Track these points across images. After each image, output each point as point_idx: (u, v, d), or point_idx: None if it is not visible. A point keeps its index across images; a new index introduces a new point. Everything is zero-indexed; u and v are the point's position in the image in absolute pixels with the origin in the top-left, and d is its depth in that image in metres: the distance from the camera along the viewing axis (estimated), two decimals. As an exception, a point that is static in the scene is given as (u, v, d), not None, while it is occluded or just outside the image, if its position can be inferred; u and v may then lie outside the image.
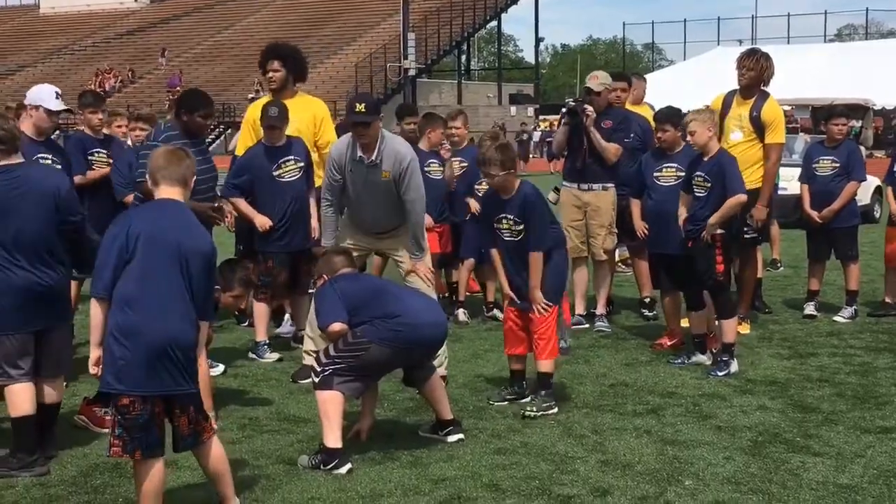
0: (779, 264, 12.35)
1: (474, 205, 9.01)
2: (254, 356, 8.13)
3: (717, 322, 7.80)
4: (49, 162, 6.81)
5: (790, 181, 12.70)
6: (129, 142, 8.89)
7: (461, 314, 9.54)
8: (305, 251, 7.98)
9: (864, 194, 15.78)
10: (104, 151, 8.41)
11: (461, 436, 6.07)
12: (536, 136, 45.36)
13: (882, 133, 38.65)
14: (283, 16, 58.07)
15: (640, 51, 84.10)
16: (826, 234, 9.52)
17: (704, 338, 7.90)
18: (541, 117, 50.71)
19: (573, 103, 9.08)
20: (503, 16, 57.10)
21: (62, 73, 53.72)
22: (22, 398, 5.53)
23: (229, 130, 37.94)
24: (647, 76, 12.84)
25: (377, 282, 6.54)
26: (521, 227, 6.65)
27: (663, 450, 5.87)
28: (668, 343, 8.34)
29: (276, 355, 8.14)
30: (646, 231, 8.39)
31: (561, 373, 7.03)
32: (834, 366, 7.78)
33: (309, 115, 8.57)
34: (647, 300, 9.67)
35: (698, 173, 7.68)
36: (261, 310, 8.09)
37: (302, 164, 8.01)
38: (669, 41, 73.48)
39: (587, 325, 9.13)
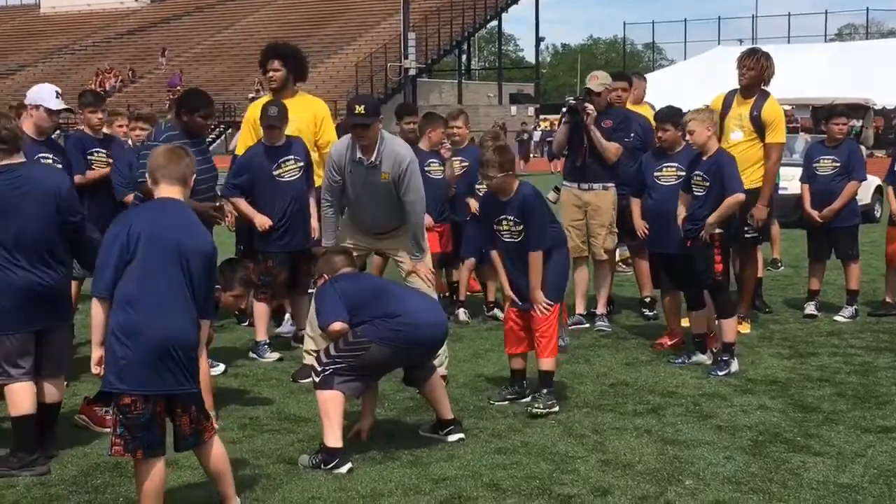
0: (779, 264, 12.35)
1: (474, 204, 9.01)
2: (254, 356, 8.13)
3: (716, 321, 7.80)
4: (50, 161, 6.81)
5: (791, 181, 12.70)
6: (130, 142, 8.89)
7: (462, 314, 9.54)
8: (305, 251, 7.98)
9: (865, 194, 15.79)
10: (103, 151, 8.40)
11: (462, 435, 6.07)
12: (537, 135, 45.38)
13: (882, 133, 38.65)
14: (283, 15, 58.07)
15: (641, 50, 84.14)
16: (827, 234, 9.52)
17: (705, 337, 7.90)
18: (541, 117, 50.74)
19: (574, 101, 9.08)
20: (503, 15, 57.09)
21: (62, 72, 53.73)
22: (22, 397, 5.53)
23: (230, 130, 37.94)
24: (648, 76, 12.86)
25: (377, 281, 6.55)
26: (521, 227, 6.65)
27: (664, 449, 5.87)
28: (669, 343, 8.34)
29: (276, 355, 8.14)
30: (646, 231, 8.39)
31: (561, 372, 7.03)
32: (834, 365, 7.78)
33: (309, 115, 8.57)
34: (648, 300, 9.67)
35: (697, 173, 7.68)
36: (261, 309, 8.09)
37: (302, 163, 8.01)
38: (670, 41, 73.31)
39: (587, 325, 9.13)
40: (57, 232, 5.59)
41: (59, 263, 5.63)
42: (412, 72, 45.08)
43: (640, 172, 8.46)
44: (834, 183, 9.46)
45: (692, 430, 6.24)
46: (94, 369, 4.76)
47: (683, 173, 7.93)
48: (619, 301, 10.15)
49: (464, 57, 59.98)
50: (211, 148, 15.34)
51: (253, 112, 8.66)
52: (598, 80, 9.05)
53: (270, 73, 8.56)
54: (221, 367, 7.67)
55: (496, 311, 9.42)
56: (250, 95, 36.74)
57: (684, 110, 8.27)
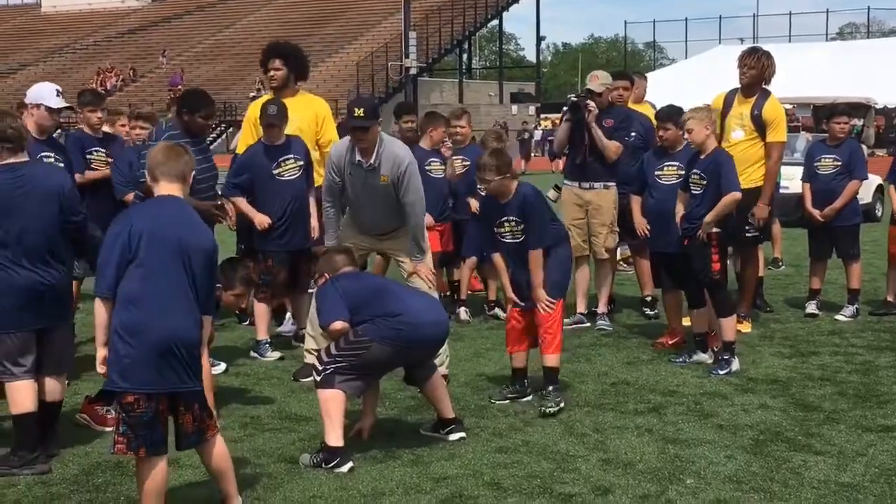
0: (780, 263, 12.34)
1: (475, 204, 9.00)
2: (255, 355, 8.13)
3: (716, 320, 7.79)
4: (52, 160, 6.81)
5: (792, 180, 12.69)
6: (129, 140, 8.88)
7: (463, 313, 9.54)
8: (305, 250, 7.98)
9: (866, 193, 15.79)
10: (103, 150, 8.39)
11: (463, 434, 6.07)
12: (538, 134, 45.40)
13: (884, 132, 38.68)
14: (284, 14, 58.08)
15: (642, 49, 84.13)
16: (828, 233, 9.52)
17: (706, 336, 7.90)
18: (542, 116, 50.78)
19: (576, 98, 9.08)
20: (504, 14, 57.17)
21: (63, 71, 53.76)
22: (23, 395, 5.54)
23: (230, 129, 37.96)
24: (649, 75, 12.87)
25: (378, 281, 6.56)
26: (522, 227, 6.66)
27: (665, 448, 5.88)
28: (670, 342, 8.33)
29: (277, 354, 8.14)
30: (647, 230, 8.39)
31: (562, 371, 7.03)
32: (835, 364, 7.77)
33: (310, 114, 8.57)
34: (649, 299, 9.67)
35: (694, 171, 7.69)
36: (261, 309, 8.09)
37: (301, 162, 8.00)
38: (671, 40, 73.58)
39: (589, 324, 9.13)
40: (59, 231, 5.59)
41: (60, 263, 5.63)
42: (413, 71, 45.10)
43: (641, 171, 8.46)
44: (835, 182, 9.46)
45: (693, 429, 6.24)
46: (100, 369, 4.75)
47: (684, 172, 7.93)
48: (620, 300, 10.15)
49: (465, 56, 60.01)
50: (212, 147, 15.35)
51: (254, 111, 8.66)
52: (599, 80, 9.05)
53: (271, 73, 8.56)
54: (223, 365, 7.67)
55: (497, 310, 9.42)
56: (251, 94, 36.74)
57: (685, 109, 8.27)
